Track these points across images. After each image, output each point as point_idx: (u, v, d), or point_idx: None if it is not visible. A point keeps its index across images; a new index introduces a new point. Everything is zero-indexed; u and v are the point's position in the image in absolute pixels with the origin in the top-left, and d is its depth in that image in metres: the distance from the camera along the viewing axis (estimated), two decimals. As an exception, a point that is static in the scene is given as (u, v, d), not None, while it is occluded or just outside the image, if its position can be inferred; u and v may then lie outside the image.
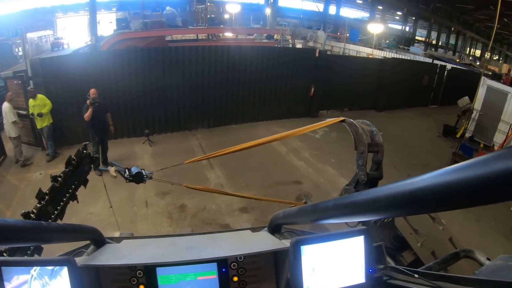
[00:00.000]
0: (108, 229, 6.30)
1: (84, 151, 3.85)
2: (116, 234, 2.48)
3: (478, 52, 53.97)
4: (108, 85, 10.50)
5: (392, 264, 1.83)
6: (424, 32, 48.04)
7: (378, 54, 25.14)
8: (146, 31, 17.80)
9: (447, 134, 15.94)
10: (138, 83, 11.11)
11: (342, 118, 3.06)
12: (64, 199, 3.47)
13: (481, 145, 14.32)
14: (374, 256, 1.63)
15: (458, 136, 15.30)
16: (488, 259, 2.04)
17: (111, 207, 5.05)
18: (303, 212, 1.66)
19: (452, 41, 48.46)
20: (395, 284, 1.64)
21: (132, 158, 9.90)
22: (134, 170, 3.87)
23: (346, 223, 2.45)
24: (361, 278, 1.53)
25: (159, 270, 1.70)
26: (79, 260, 1.62)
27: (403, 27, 44.93)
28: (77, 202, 3.67)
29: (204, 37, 22.25)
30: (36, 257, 2.61)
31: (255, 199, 8.17)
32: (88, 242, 1.94)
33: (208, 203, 8.25)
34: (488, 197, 0.63)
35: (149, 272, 1.70)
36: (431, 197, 0.75)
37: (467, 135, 15.02)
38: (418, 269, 1.80)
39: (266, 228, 2.26)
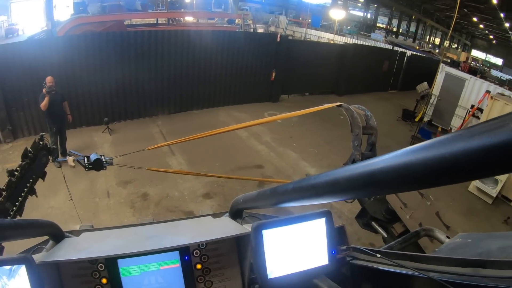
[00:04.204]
0: (70, 222, 6.17)
1: (41, 143, 3.72)
2: (77, 227, 2.34)
3: (437, 40, 55.85)
4: (65, 72, 10.11)
5: (354, 245, 1.83)
6: (386, 19, 49.08)
7: (340, 40, 25.49)
8: (104, 15, 17.29)
9: (406, 118, 16.62)
10: (96, 70, 10.80)
11: (339, 103, 3.16)
12: (23, 194, 3.36)
13: (439, 129, 15.01)
14: (336, 238, 1.63)
15: (416, 120, 16.01)
16: (448, 237, 2.09)
17: (71, 199, 4.95)
18: (262, 196, 1.64)
19: (412, 28, 49.78)
20: (358, 264, 1.67)
21: (91, 147, 9.61)
22: (93, 157, 3.79)
23: None
24: (324, 260, 1.53)
25: (120, 262, 1.66)
26: (38, 257, 1.57)
27: (365, 14, 45.84)
28: (36, 196, 3.58)
29: (164, 22, 21.77)
30: None
31: (220, 178, 8.26)
32: (47, 237, 1.85)
33: (171, 191, 8.21)
34: (447, 178, 0.64)
35: (110, 264, 1.66)
36: (390, 178, 0.75)
37: (426, 119, 15.76)
38: (380, 249, 1.87)
39: (227, 214, 2.23)
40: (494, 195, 10.38)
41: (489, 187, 10.41)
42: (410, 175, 0.69)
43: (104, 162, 3.79)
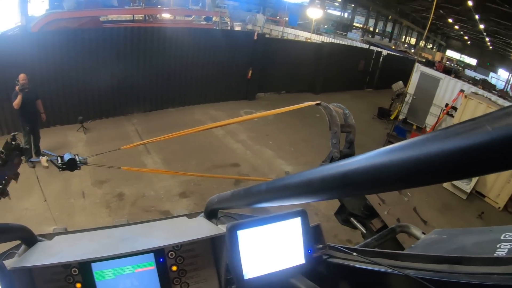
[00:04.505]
0: (45, 224, 6.04)
1: (14, 142, 3.66)
2: (51, 230, 2.27)
3: (413, 40, 56.89)
4: (39, 70, 9.87)
5: (331, 243, 1.80)
6: (362, 19, 49.78)
7: (316, 38, 25.67)
8: (80, 11, 16.98)
9: (382, 116, 16.97)
10: (70, 67, 10.58)
11: (318, 102, 3.17)
12: (-5, 196, 3.31)
13: (414, 127, 15.38)
14: (312, 237, 1.63)
15: (392, 118, 16.37)
16: (423, 233, 2.09)
17: (45, 200, 4.90)
18: (236, 196, 1.64)
19: (389, 28, 50.68)
20: (335, 262, 1.66)
21: (66, 147, 9.47)
22: (66, 156, 3.71)
23: None
24: (300, 259, 1.53)
25: (94, 266, 1.63)
26: (9, 263, 1.53)
27: (342, 13, 46.24)
28: (9, 198, 3.52)
29: (141, 18, 21.55)
30: None
31: (197, 176, 8.25)
32: (19, 242, 1.81)
33: (146, 190, 8.17)
34: (422, 179, 0.64)
35: (84, 268, 1.63)
36: (364, 179, 0.74)
37: (401, 117, 16.16)
38: (357, 246, 1.85)
39: (202, 214, 2.22)
40: (468, 191, 10.75)
41: (463, 183, 10.76)
42: (384, 177, 0.69)
43: (78, 162, 3.72)
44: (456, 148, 0.55)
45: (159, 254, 1.73)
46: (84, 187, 7.98)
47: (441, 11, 34.94)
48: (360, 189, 0.86)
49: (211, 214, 2.13)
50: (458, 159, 0.55)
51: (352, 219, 3.24)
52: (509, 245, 1.14)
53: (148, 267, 1.71)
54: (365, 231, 3.10)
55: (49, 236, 2.01)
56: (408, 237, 2.35)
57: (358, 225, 3.18)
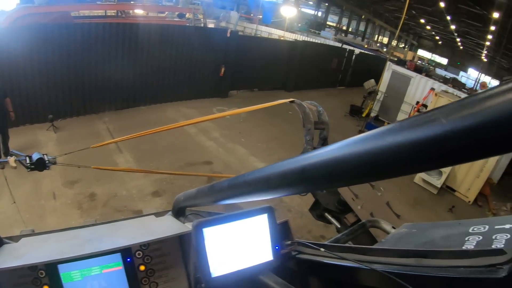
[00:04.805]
0: (15, 227, 5.93)
1: None
2: (18, 233, 2.16)
3: (385, 40, 58.15)
4: (8, 67, 9.60)
5: (300, 239, 1.81)
6: (336, 18, 50.50)
7: (290, 36, 25.83)
8: (51, 6, 16.62)
9: (354, 114, 17.38)
10: (40, 64, 10.32)
11: (292, 99, 3.17)
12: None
13: (385, 124, 15.58)
14: (280, 233, 1.62)
15: (364, 115, 16.76)
16: (393, 227, 2.11)
17: (14, 202, 4.82)
18: (201, 194, 1.64)
19: (362, 28, 51.63)
20: (304, 258, 1.66)
21: (36, 146, 9.25)
22: (35, 156, 3.63)
23: None
24: (268, 256, 1.53)
25: (61, 267, 1.57)
26: None
27: (316, 12, 46.64)
28: None
29: (113, 14, 21.25)
30: None
31: (169, 175, 8.18)
32: None
33: (118, 190, 8.11)
34: (377, 173, 0.64)
35: (51, 270, 1.56)
36: (320, 174, 0.73)
37: (372, 114, 16.58)
38: (327, 242, 1.89)
39: (170, 212, 2.19)
40: (439, 186, 11.14)
41: (434, 178, 11.14)
42: (341, 171, 0.68)
43: (47, 162, 3.65)
44: (409, 141, 0.54)
45: (126, 253, 1.69)
46: (54, 188, 7.83)
47: (413, 12, 35.74)
48: (318, 184, 0.85)
49: (179, 212, 2.11)
50: (412, 152, 0.55)
51: (326, 214, 3.30)
52: (477, 238, 1.16)
53: (115, 267, 1.67)
54: (339, 226, 3.17)
55: (16, 239, 1.95)
56: (382, 231, 2.36)
57: (333, 220, 3.24)
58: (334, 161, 0.69)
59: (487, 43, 35.21)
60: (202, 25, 21.54)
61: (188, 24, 20.17)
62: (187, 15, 22.73)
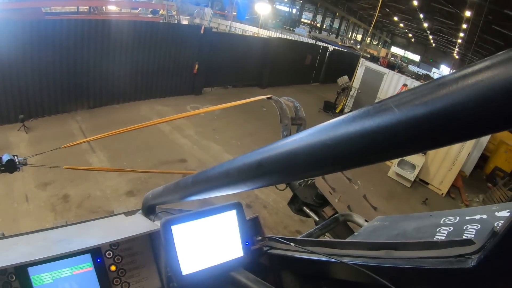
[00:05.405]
0: None
1: None
2: None
3: (359, 37, 59.05)
4: None
5: (271, 235, 1.79)
6: (310, 15, 50.99)
7: (264, 33, 25.94)
8: (21, 2, 16.24)
9: (328, 110, 17.63)
10: (10, 62, 9.98)
11: (269, 96, 3.19)
12: None
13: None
14: (250, 229, 1.66)
15: (337, 111, 17.06)
16: (366, 221, 2.11)
17: None
18: (167, 191, 1.65)
19: (336, 25, 52.35)
20: (275, 253, 1.67)
21: (6, 148, 8.99)
22: (5, 157, 3.55)
23: None
24: (239, 252, 1.55)
25: (31, 270, 1.53)
26: None
27: (290, 9, 46.86)
28: None
29: (85, 10, 20.91)
30: None
31: (143, 173, 8.17)
32: None
33: (92, 190, 8.00)
34: (331, 165, 0.63)
35: (20, 273, 1.52)
36: (277, 167, 0.73)
37: (346, 110, 16.88)
38: (300, 236, 1.88)
39: (140, 211, 2.21)
40: (412, 179, 11.51)
41: (407, 172, 11.47)
42: (296, 163, 0.68)
43: (18, 163, 3.59)
44: (361, 130, 0.54)
45: (96, 254, 1.65)
46: (27, 190, 7.66)
47: (387, 10, 36.41)
48: (275, 177, 0.83)
49: (149, 211, 2.12)
50: (364, 142, 0.54)
51: (305, 208, 3.35)
52: (448, 229, 1.16)
53: (86, 268, 1.63)
54: (317, 219, 3.23)
55: None
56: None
57: (311, 213, 3.30)
58: (290, 154, 0.70)
59: (459, 41, 36.26)
60: (176, 21, 21.44)
61: (161, 21, 20.00)
62: (160, 12, 22.54)
